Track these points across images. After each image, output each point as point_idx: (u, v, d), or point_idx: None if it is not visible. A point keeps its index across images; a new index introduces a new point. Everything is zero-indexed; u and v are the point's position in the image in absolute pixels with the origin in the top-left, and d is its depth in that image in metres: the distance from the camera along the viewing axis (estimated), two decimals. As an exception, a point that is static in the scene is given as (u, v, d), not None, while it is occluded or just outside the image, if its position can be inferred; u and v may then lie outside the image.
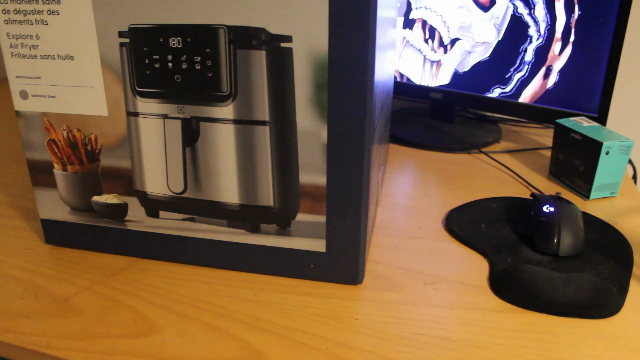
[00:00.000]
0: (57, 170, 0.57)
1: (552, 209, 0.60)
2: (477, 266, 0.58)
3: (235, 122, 0.49)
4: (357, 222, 0.51)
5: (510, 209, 0.68)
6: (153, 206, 0.55)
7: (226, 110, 0.49)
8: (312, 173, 0.50)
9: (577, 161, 0.74)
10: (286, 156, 0.50)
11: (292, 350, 0.46)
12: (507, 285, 0.53)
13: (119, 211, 0.56)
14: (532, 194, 0.65)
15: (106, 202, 0.56)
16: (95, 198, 0.57)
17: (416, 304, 0.52)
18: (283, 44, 0.46)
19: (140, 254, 0.58)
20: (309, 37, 0.45)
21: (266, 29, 0.46)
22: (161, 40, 0.49)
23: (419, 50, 0.93)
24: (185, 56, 0.48)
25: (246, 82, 0.48)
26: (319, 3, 0.44)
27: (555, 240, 0.58)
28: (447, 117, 0.98)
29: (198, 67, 0.48)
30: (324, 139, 0.48)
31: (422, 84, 0.95)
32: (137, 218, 0.56)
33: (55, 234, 0.60)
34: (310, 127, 0.48)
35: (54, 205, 0.58)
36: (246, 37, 0.47)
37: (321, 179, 0.50)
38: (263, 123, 0.49)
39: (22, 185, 0.76)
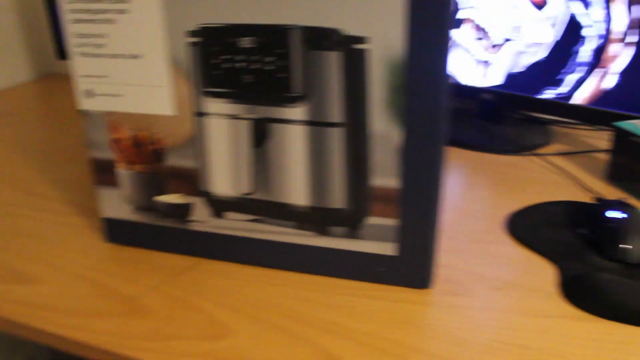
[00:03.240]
0: (121, 170, 0.57)
1: (619, 214, 0.59)
2: (544, 271, 0.57)
3: (307, 123, 0.49)
4: (430, 225, 0.50)
5: (572, 213, 0.67)
6: (218, 207, 0.54)
7: (297, 112, 0.49)
8: (384, 176, 0.49)
9: (638, 165, 0.72)
10: (358, 158, 0.49)
11: (368, 356, 0.45)
12: (582, 292, 0.52)
13: (183, 211, 0.56)
14: (597, 198, 0.64)
15: (170, 202, 0.56)
16: (159, 198, 0.56)
17: (488, 309, 0.51)
18: (358, 46, 0.45)
19: (204, 254, 0.57)
20: (385, 39, 0.44)
21: (341, 30, 0.45)
22: (232, 40, 0.48)
23: (469, 50, 0.91)
24: (256, 56, 0.48)
25: (319, 84, 0.47)
26: (396, 3, 0.43)
27: (625, 246, 0.56)
28: (496, 118, 0.96)
29: (269, 68, 0.48)
30: (397, 141, 0.47)
31: (472, 84, 0.93)
32: (201, 218, 0.56)
33: (117, 232, 0.60)
34: (384, 129, 0.47)
35: (117, 204, 0.58)
36: (320, 38, 0.46)
37: (393, 182, 0.49)
38: (335, 125, 0.48)
39: (79, 182, 0.77)
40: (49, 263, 0.58)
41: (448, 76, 0.45)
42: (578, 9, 0.80)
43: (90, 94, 0.55)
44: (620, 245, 0.56)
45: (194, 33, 0.49)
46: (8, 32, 1.29)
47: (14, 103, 1.18)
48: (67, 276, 0.56)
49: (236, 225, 0.55)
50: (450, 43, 0.44)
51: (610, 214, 0.59)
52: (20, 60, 1.33)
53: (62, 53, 1.12)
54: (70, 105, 1.15)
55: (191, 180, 0.55)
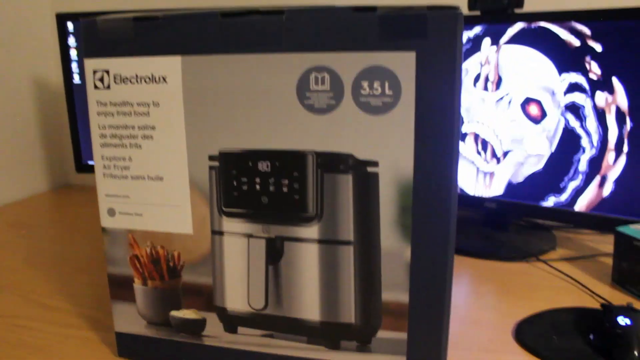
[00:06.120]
0: (137, 285, 0.58)
1: (628, 320, 0.60)
2: (556, 384, 0.57)
3: (320, 242, 0.51)
4: (439, 339, 0.51)
5: (579, 320, 0.67)
6: (232, 322, 0.56)
7: (311, 231, 0.51)
8: (395, 291, 0.50)
9: (642, 272, 0.74)
10: (369, 275, 0.51)
11: None
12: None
13: (197, 326, 0.57)
14: (603, 305, 0.64)
15: (184, 317, 0.57)
16: (174, 313, 0.58)
17: None
18: (369, 169, 0.49)
19: (216, 370, 0.58)
20: (395, 163, 0.48)
21: (354, 155, 0.49)
22: (250, 164, 0.51)
23: (472, 162, 0.95)
24: (273, 179, 0.51)
25: (332, 204, 0.50)
26: (405, 131, 0.47)
27: (636, 353, 0.57)
28: (502, 226, 0.99)
29: (285, 190, 0.51)
30: (407, 258, 0.49)
31: (476, 194, 0.96)
32: (214, 333, 0.57)
33: (130, 347, 0.61)
34: (394, 247, 0.49)
35: (131, 318, 0.59)
36: (334, 162, 0.49)
37: (403, 297, 0.50)
38: (347, 243, 0.50)
39: (91, 295, 0.78)
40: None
41: (455, 195, 0.48)
42: (573, 122, 0.84)
43: (112, 212, 0.57)
44: (630, 352, 0.57)
45: (214, 158, 0.53)
46: (29, 143, 1.35)
47: (30, 214, 1.21)
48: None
49: (249, 340, 0.56)
50: (457, 166, 0.47)
51: (617, 320, 0.60)
52: (39, 171, 1.38)
53: (80, 166, 1.17)
54: (85, 216, 1.18)
55: (205, 296, 0.56)
